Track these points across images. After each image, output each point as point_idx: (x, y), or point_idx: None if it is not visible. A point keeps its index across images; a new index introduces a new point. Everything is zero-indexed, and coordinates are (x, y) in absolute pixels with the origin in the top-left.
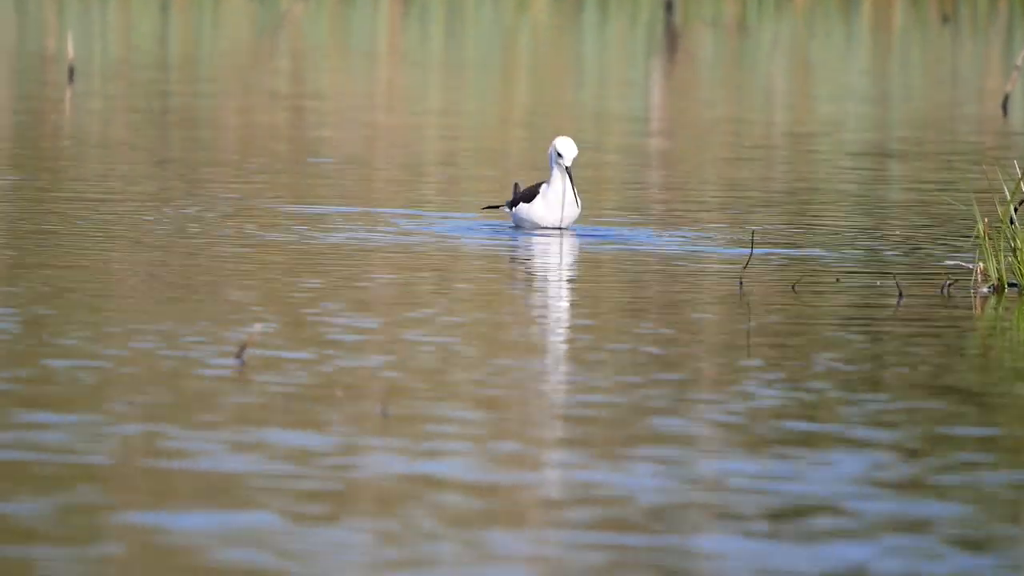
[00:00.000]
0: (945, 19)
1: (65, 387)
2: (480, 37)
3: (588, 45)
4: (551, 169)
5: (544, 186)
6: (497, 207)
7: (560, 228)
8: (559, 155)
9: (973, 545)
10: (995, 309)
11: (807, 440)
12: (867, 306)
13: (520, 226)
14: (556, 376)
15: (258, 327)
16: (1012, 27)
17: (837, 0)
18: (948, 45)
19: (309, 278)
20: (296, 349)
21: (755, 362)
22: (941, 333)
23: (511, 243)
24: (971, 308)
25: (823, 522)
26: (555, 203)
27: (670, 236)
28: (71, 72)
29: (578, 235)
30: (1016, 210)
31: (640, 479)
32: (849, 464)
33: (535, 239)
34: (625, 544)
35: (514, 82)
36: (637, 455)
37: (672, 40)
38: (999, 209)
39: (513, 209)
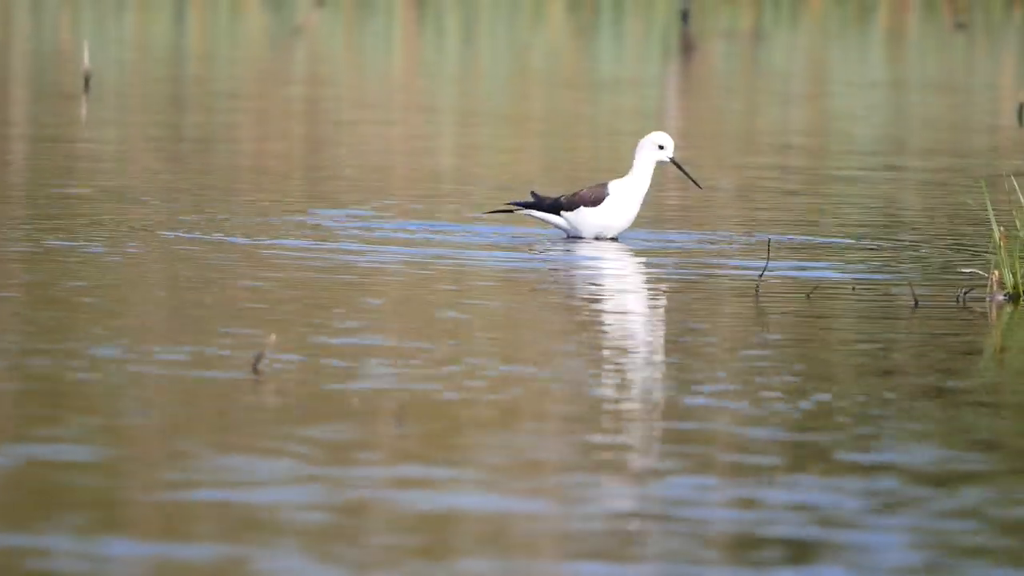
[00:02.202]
0: (959, 26)
1: (80, 398)
2: (495, 47)
3: (603, 53)
4: (635, 168)
5: (612, 185)
6: (510, 211)
7: (608, 238)
8: (660, 147)
9: (991, 556)
10: (1011, 317)
11: (825, 458)
12: (883, 315)
13: (577, 234)
14: (574, 391)
15: (273, 338)
16: None
17: (852, 7)
18: (962, 52)
19: (330, 290)
20: (312, 362)
21: (770, 375)
22: (957, 342)
23: (535, 254)
24: (987, 316)
25: (848, 541)
26: (632, 204)
27: (685, 244)
28: (87, 81)
29: (599, 243)
30: None
31: (658, 504)
32: (866, 479)
33: (560, 249)
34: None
35: (529, 91)
36: (655, 480)
37: (688, 49)
38: (1015, 217)
39: (568, 214)
